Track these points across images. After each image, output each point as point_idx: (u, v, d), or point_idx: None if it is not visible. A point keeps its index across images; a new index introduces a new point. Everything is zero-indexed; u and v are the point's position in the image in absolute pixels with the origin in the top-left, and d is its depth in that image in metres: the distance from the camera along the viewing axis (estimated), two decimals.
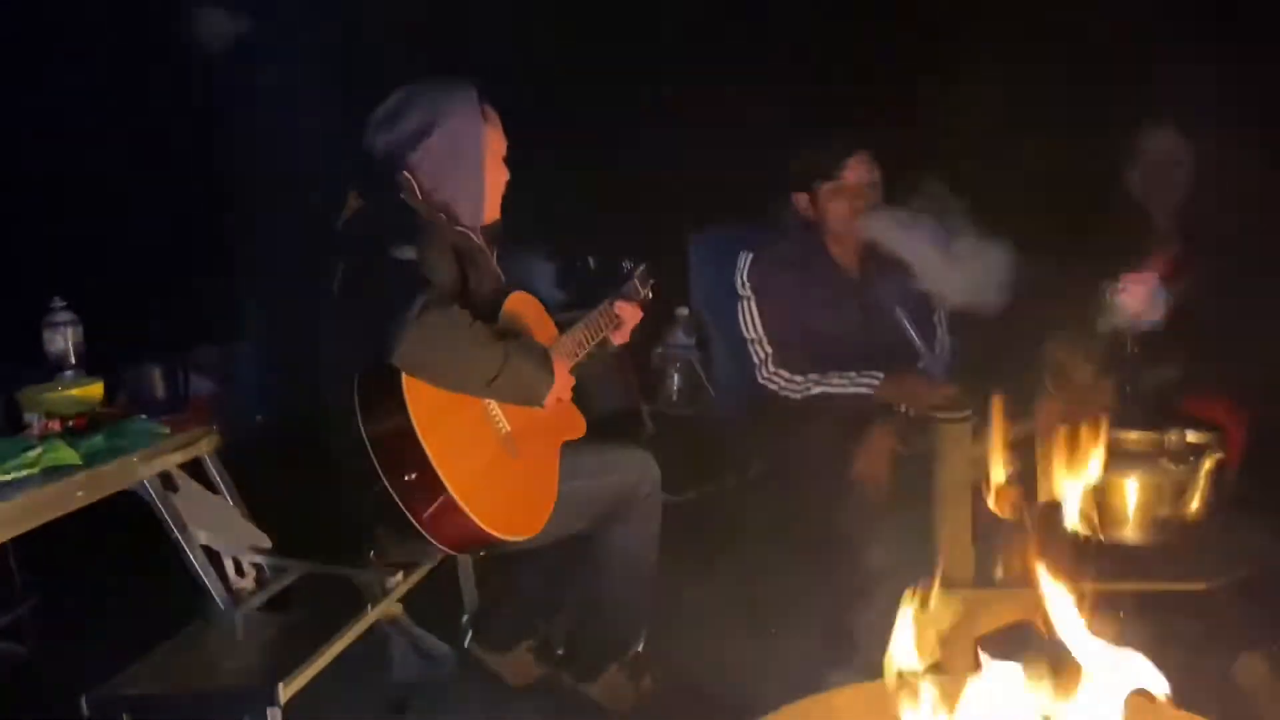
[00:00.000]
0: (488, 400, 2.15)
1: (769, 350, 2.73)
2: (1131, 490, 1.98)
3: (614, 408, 3.25)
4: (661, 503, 2.56)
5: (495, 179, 2.29)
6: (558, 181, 3.29)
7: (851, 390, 2.64)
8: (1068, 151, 3.14)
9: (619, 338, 2.53)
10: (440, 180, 2.21)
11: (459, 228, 2.24)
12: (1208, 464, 1.91)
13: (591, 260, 2.87)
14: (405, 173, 2.18)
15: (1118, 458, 1.99)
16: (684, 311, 3.05)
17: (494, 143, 2.27)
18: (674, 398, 3.12)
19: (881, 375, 2.63)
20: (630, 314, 2.53)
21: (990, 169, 3.22)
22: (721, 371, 3.13)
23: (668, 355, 3.08)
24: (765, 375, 2.72)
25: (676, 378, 3.10)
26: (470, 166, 2.22)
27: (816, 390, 2.67)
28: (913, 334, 2.70)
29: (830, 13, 3.56)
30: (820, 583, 2.88)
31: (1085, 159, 3.08)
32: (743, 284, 2.75)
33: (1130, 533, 2.02)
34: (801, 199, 2.74)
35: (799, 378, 2.69)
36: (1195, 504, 1.94)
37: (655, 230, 3.04)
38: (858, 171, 2.67)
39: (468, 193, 2.23)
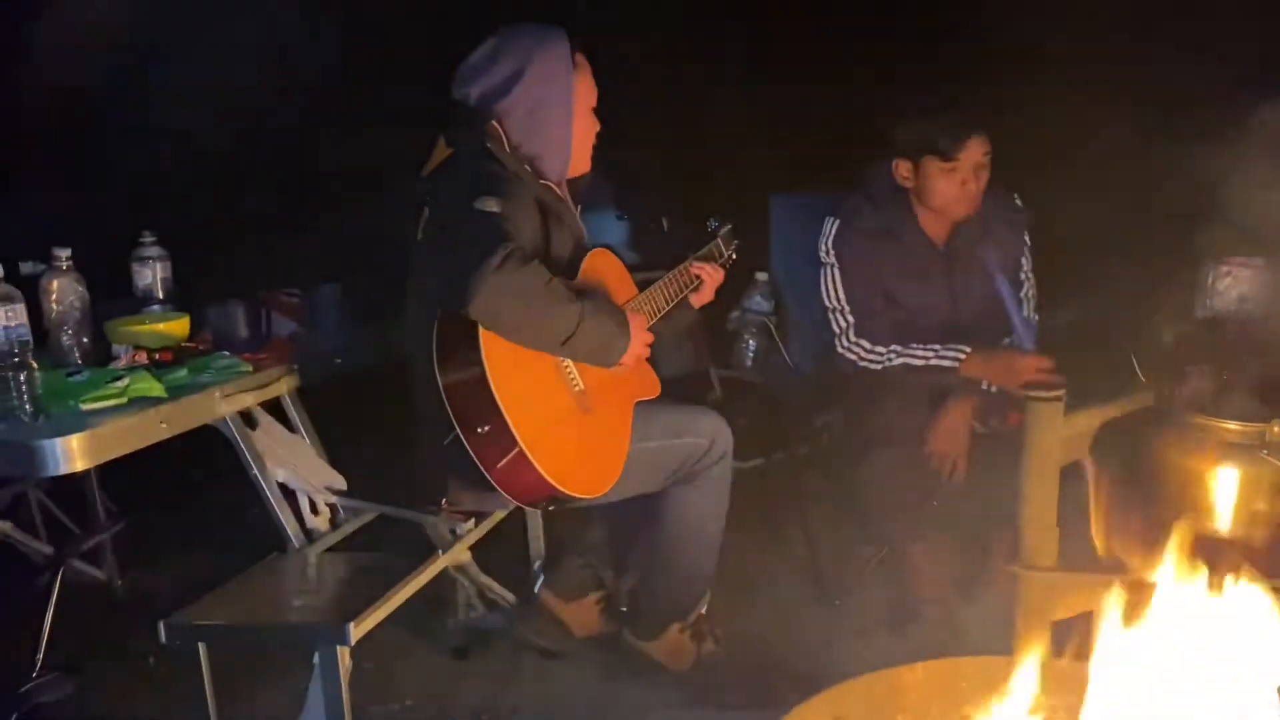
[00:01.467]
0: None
1: (851, 320, 2.67)
2: (1229, 482, 1.90)
3: (683, 370, 3.23)
4: (731, 469, 2.54)
5: (585, 129, 2.26)
6: (635, 139, 3.25)
7: (935, 363, 2.58)
8: (1174, 128, 3.02)
9: (699, 299, 2.49)
10: (529, 130, 2.18)
11: (544, 182, 2.22)
12: None
13: (665, 221, 2.83)
14: (494, 122, 2.16)
15: (1216, 448, 1.91)
16: (763, 276, 3.00)
17: (584, 92, 2.23)
18: (748, 363, 3.08)
19: (968, 350, 2.56)
20: (711, 275, 2.48)
21: (1092, 149, 3.12)
22: (797, 338, 3.08)
23: (744, 320, 3.03)
24: (845, 345, 2.67)
25: (752, 343, 3.05)
26: (560, 114, 2.19)
27: (898, 362, 2.61)
28: (1010, 305, 2.61)
29: None
30: (887, 556, 2.86)
31: (1192, 136, 2.96)
32: (827, 251, 2.69)
33: (1226, 527, 1.93)
34: (903, 166, 2.64)
35: (880, 349, 2.64)
36: None
37: (735, 190, 2.99)
38: (974, 154, 2.57)
39: (556, 142, 2.20)
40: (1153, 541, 1.94)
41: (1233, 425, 1.90)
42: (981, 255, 2.65)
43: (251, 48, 3.32)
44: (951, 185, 2.59)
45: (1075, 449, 1.92)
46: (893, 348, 2.62)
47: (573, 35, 2.21)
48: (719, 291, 2.57)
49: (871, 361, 2.65)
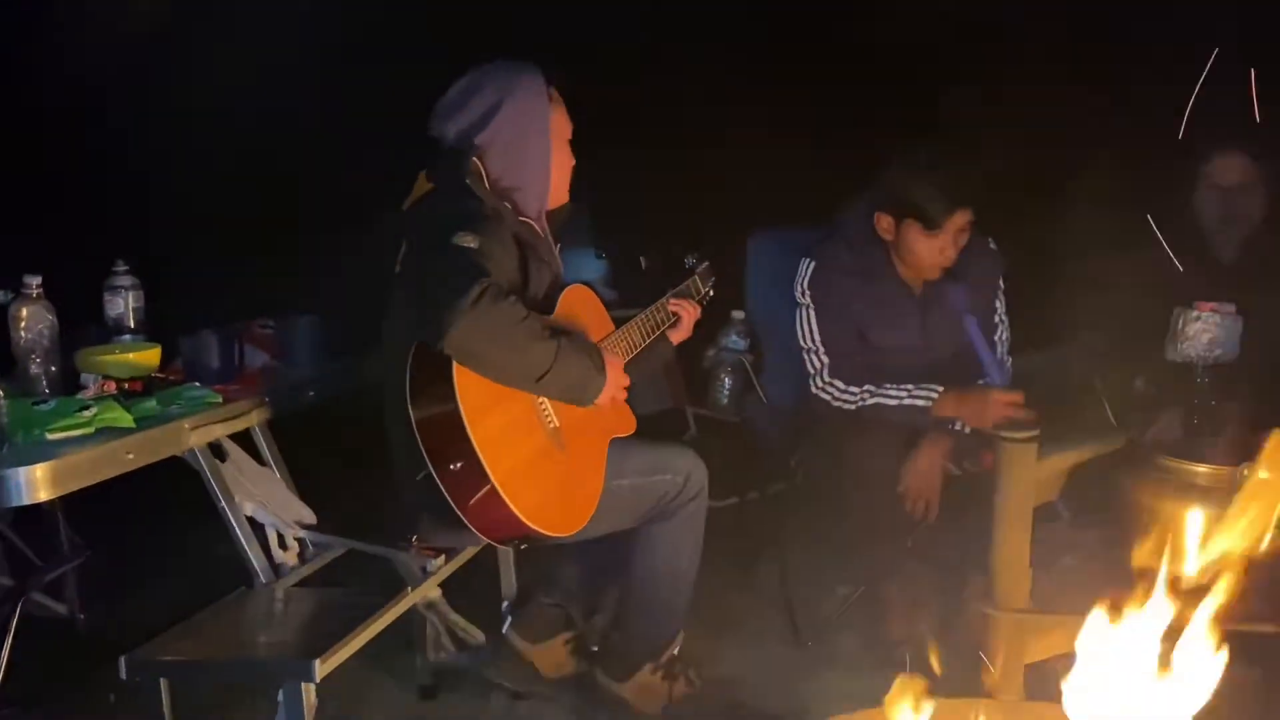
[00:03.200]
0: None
1: (825, 360, 2.68)
2: (1199, 524, 1.91)
3: (659, 408, 3.22)
4: (706, 507, 2.53)
5: (563, 161, 2.27)
6: (614, 177, 3.27)
7: (908, 403, 2.59)
8: (1137, 178, 3.07)
9: (677, 336, 2.51)
10: (508, 164, 2.19)
11: (523, 219, 2.23)
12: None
13: (643, 259, 2.84)
14: (474, 158, 2.17)
15: (1187, 491, 1.93)
16: (739, 314, 3.01)
17: (560, 125, 2.25)
18: (724, 401, 3.08)
19: (940, 390, 2.57)
20: (688, 311, 2.50)
21: (1055, 194, 3.16)
22: (772, 377, 3.08)
23: (720, 358, 3.04)
24: (820, 385, 2.68)
25: (727, 381, 3.05)
26: (538, 147, 2.20)
27: (871, 401, 2.62)
28: (979, 345, 2.63)
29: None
30: (861, 595, 2.84)
31: (1156, 185, 3.01)
32: (803, 292, 2.70)
33: (1196, 570, 1.94)
34: (885, 220, 2.66)
35: (854, 389, 2.64)
36: (1266, 543, 1.87)
37: (713, 228, 3.00)
38: (957, 223, 2.59)
39: (535, 175, 2.21)
40: (1124, 583, 1.95)
41: (1202, 468, 1.91)
42: (954, 297, 2.67)
43: (230, 78, 3.32)
44: (930, 252, 2.62)
45: (1048, 490, 1.93)
46: (866, 387, 2.63)
47: (548, 70, 2.23)
48: (696, 329, 2.58)
49: (845, 401, 2.66)
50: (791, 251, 2.81)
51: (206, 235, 3.26)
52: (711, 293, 2.64)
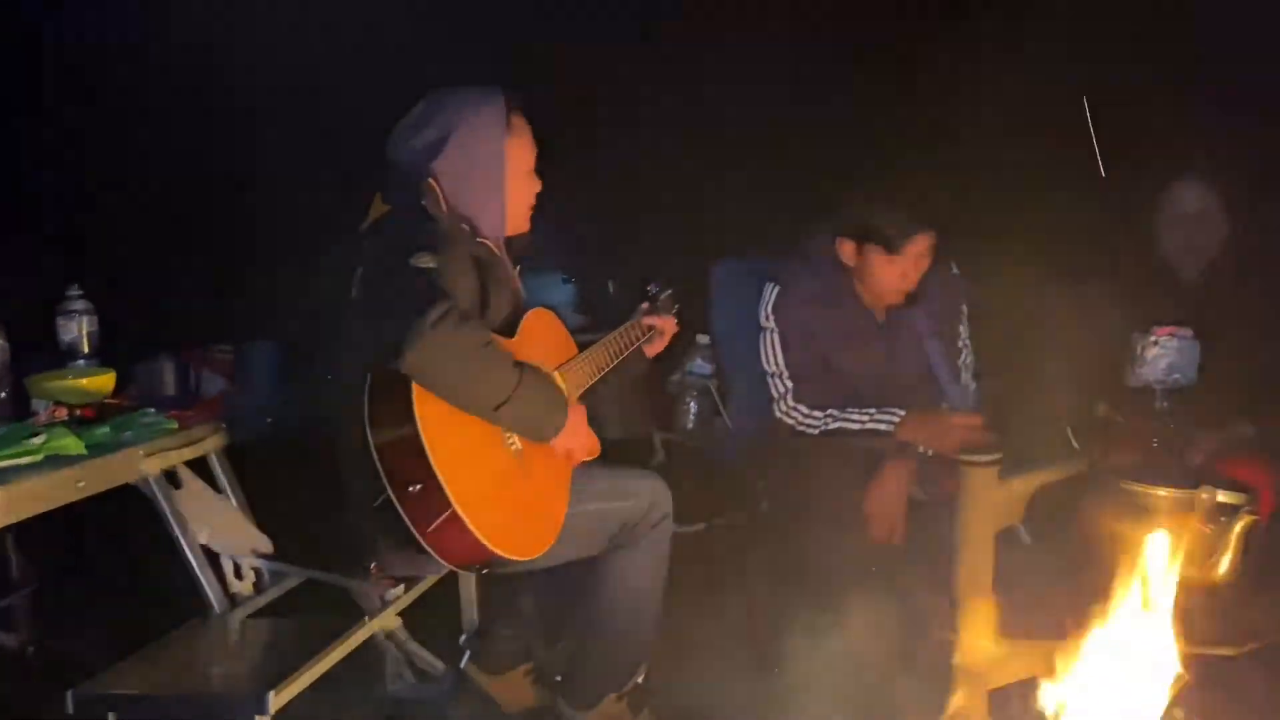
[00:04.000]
0: None
1: (789, 385, 2.68)
2: (1160, 547, 1.92)
3: (626, 433, 3.21)
4: (671, 533, 2.51)
5: (520, 190, 2.25)
6: (581, 202, 3.27)
7: (871, 427, 2.59)
8: (1098, 204, 3.11)
9: (653, 349, 2.51)
10: (462, 190, 2.17)
11: (481, 239, 2.21)
12: (1239, 525, 1.84)
13: (611, 284, 2.83)
14: (429, 180, 2.15)
15: (1151, 515, 1.93)
16: (704, 339, 3.01)
17: (519, 152, 2.22)
18: (689, 426, 3.07)
19: (903, 413, 2.57)
20: (665, 324, 2.51)
21: (1018, 220, 3.19)
22: (737, 403, 3.08)
23: (685, 383, 3.03)
24: (784, 409, 2.68)
25: (693, 406, 3.05)
26: (492, 175, 2.18)
27: (834, 425, 2.62)
28: (941, 369, 2.64)
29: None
30: (827, 624, 2.83)
31: (1117, 211, 3.06)
32: (766, 316, 2.71)
33: (1158, 594, 1.94)
34: (847, 247, 2.67)
35: (817, 413, 2.64)
36: (1225, 566, 1.88)
37: (678, 253, 3.01)
38: (918, 247, 2.61)
39: (490, 203, 2.20)
40: (1088, 608, 1.95)
41: (1162, 492, 1.92)
42: (917, 322, 2.68)
43: (184, 100, 3.30)
44: (891, 276, 2.63)
45: (1010, 514, 1.93)
46: (829, 411, 2.63)
47: (512, 95, 2.22)
48: (659, 356, 2.58)
49: (809, 426, 2.65)
50: (756, 279, 2.82)
51: (162, 258, 3.21)
52: (677, 319, 2.64)
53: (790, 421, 2.67)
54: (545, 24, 3.53)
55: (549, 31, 3.50)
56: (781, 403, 2.68)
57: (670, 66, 3.71)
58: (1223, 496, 1.86)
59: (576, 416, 2.17)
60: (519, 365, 2.03)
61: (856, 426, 2.60)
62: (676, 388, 3.06)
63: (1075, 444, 2.46)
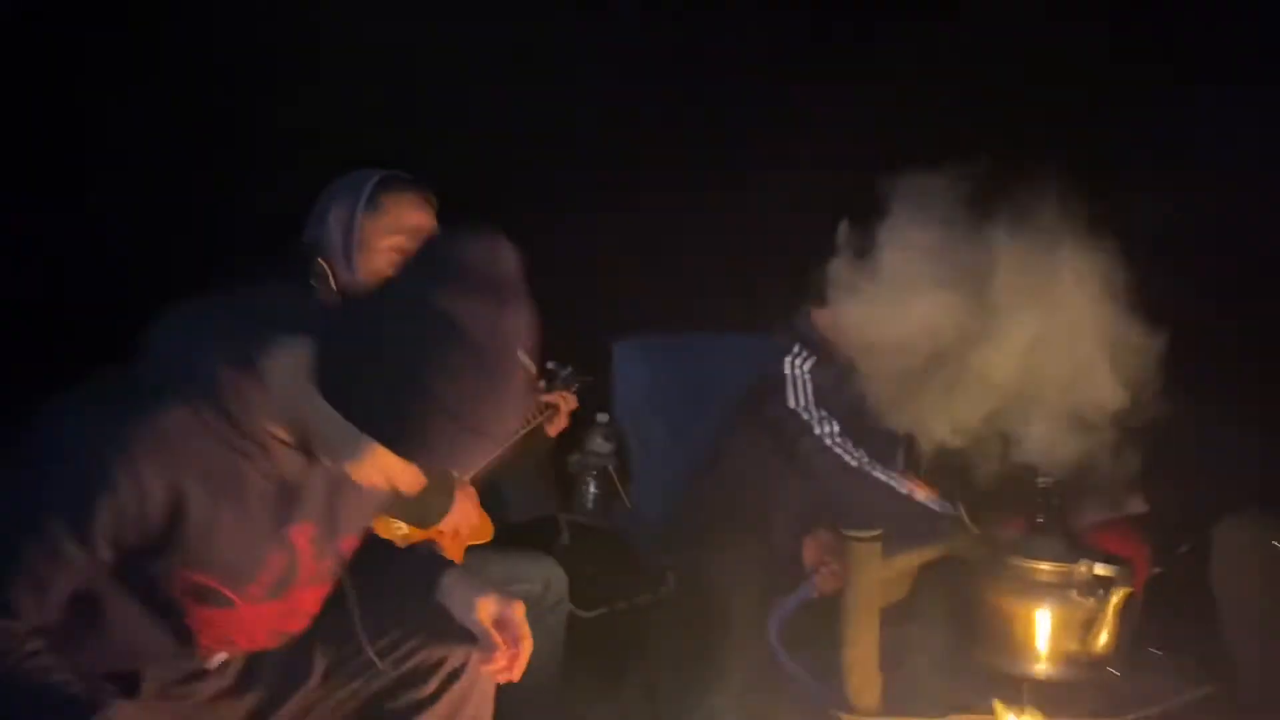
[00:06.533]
0: None
1: (835, 425, 2.61)
2: (1042, 623, 1.95)
3: (532, 514, 3.16)
4: (567, 617, 2.47)
5: (387, 269, 2.21)
6: None
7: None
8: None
9: (555, 427, 2.49)
10: (340, 269, 2.16)
11: None
12: (1115, 598, 1.88)
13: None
14: (319, 259, 2.14)
15: (1030, 589, 1.96)
16: (604, 418, 3.00)
17: (384, 235, 2.17)
18: (589, 506, 3.04)
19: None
20: (565, 400, 2.49)
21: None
22: (643, 484, 3.06)
23: (584, 463, 3.02)
24: (830, 442, 2.59)
25: (592, 486, 3.03)
26: (355, 257, 2.15)
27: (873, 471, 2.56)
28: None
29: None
30: (733, 708, 2.78)
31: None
32: (795, 367, 2.65)
33: (1040, 667, 1.97)
34: (822, 315, 2.64)
35: (861, 452, 2.59)
36: (1103, 638, 1.91)
37: (573, 337, 3.01)
38: None
39: (366, 282, 2.19)
40: (974, 683, 1.96)
41: (1044, 566, 1.96)
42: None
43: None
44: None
45: (896, 590, 1.94)
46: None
47: (396, 177, 2.22)
48: (562, 436, 2.57)
49: (853, 458, 2.57)
50: (661, 357, 2.83)
51: None
52: (579, 399, 2.64)
53: (838, 452, 2.57)
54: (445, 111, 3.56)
55: (450, 118, 3.53)
56: (826, 438, 2.58)
57: (579, 147, 3.76)
58: (1099, 569, 1.89)
59: (465, 498, 2.14)
60: None
61: (884, 479, 2.54)
62: (576, 468, 3.05)
63: (968, 521, 2.49)
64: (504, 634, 1.64)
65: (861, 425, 2.60)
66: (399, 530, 2.08)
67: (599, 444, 2.99)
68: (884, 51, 3.59)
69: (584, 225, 3.45)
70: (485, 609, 1.63)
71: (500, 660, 1.64)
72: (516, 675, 1.67)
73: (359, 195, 2.17)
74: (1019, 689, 1.97)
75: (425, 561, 1.73)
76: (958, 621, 2.03)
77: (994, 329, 2.25)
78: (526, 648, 1.66)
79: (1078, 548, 1.97)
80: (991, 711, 1.92)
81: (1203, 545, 2.55)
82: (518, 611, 1.65)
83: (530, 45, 3.62)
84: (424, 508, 2.06)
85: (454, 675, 1.68)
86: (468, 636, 1.66)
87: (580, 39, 3.61)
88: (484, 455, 1.45)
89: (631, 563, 3.01)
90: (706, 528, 2.66)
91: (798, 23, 3.75)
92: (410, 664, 1.68)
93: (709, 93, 3.74)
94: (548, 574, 2.33)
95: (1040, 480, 2.25)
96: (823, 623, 2.41)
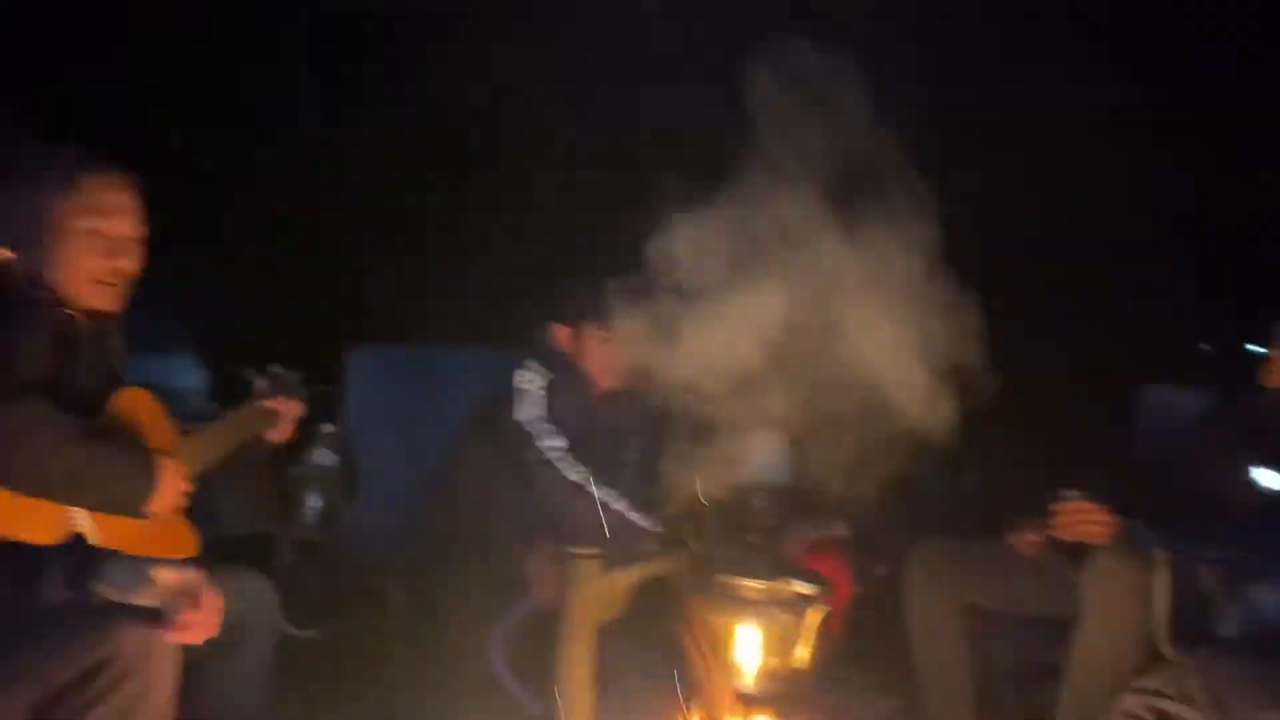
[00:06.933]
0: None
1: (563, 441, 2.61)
2: (748, 638, 2.03)
3: (246, 528, 2.99)
4: (278, 636, 2.34)
5: (90, 262, 2.02)
6: (219, 286, 3.08)
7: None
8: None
9: (278, 435, 2.37)
10: (27, 253, 1.96)
11: (62, 310, 1.99)
12: (815, 615, 1.99)
13: (250, 372, 2.67)
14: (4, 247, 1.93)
15: (737, 605, 2.04)
16: (329, 428, 2.88)
17: (83, 219, 1.99)
18: (312, 521, 2.90)
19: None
20: (287, 407, 2.36)
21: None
22: (369, 496, 2.97)
23: (306, 474, 2.87)
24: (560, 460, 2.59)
25: (315, 499, 2.89)
26: (46, 242, 1.96)
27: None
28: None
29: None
30: None
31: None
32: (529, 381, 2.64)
33: (746, 681, 2.05)
34: (563, 332, 2.68)
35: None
36: (804, 653, 2.01)
37: (307, 343, 2.89)
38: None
39: (53, 272, 1.99)
40: (686, 698, 2.02)
41: (751, 584, 2.04)
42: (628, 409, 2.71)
43: None
44: (611, 352, 2.64)
45: (613, 606, 1.97)
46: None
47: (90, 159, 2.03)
48: (283, 448, 2.44)
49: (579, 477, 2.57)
50: (393, 366, 2.76)
51: None
52: (303, 407, 2.52)
53: (560, 467, 2.57)
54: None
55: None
56: (548, 451, 2.58)
57: (323, 151, 3.64)
58: (798, 587, 2.00)
59: (169, 469, 1.98)
60: (91, 438, 1.85)
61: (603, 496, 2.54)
62: (297, 480, 2.90)
63: (689, 541, 2.57)
64: (185, 600, 1.68)
65: (593, 442, 2.64)
66: (79, 525, 1.89)
67: (323, 455, 2.86)
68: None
69: (324, 233, 3.33)
70: (161, 580, 1.66)
71: (187, 624, 1.68)
72: (208, 633, 1.72)
73: (55, 179, 1.98)
74: (726, 702, 2.04)
75: (78, 558, 1.70)
76: (670, 637, 2.08)
77: (720, 361, 2.36)
78: (212, 604, 1.71)
79: (784, 567, 2.06)
80: None
81: (898, 568, 2.76)
82: (194, 575, 1.68)
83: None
84: (126, 496, 1.88)
85: (127, 671, 1.64)
86: (141, 622, 1.65)
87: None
88: None
89: (354, 580, 2.90)
90: (434, 543, 2.61)
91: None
92: (78, 665, 1.61)
93: (456, 104, 3.70)
94: (255, 592, 2.19)
95: (754, 502, 2.37)
96: (548, 641, 2.43)
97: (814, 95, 2.16)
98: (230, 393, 3.11)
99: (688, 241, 2.24)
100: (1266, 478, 2.47)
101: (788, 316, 3.00)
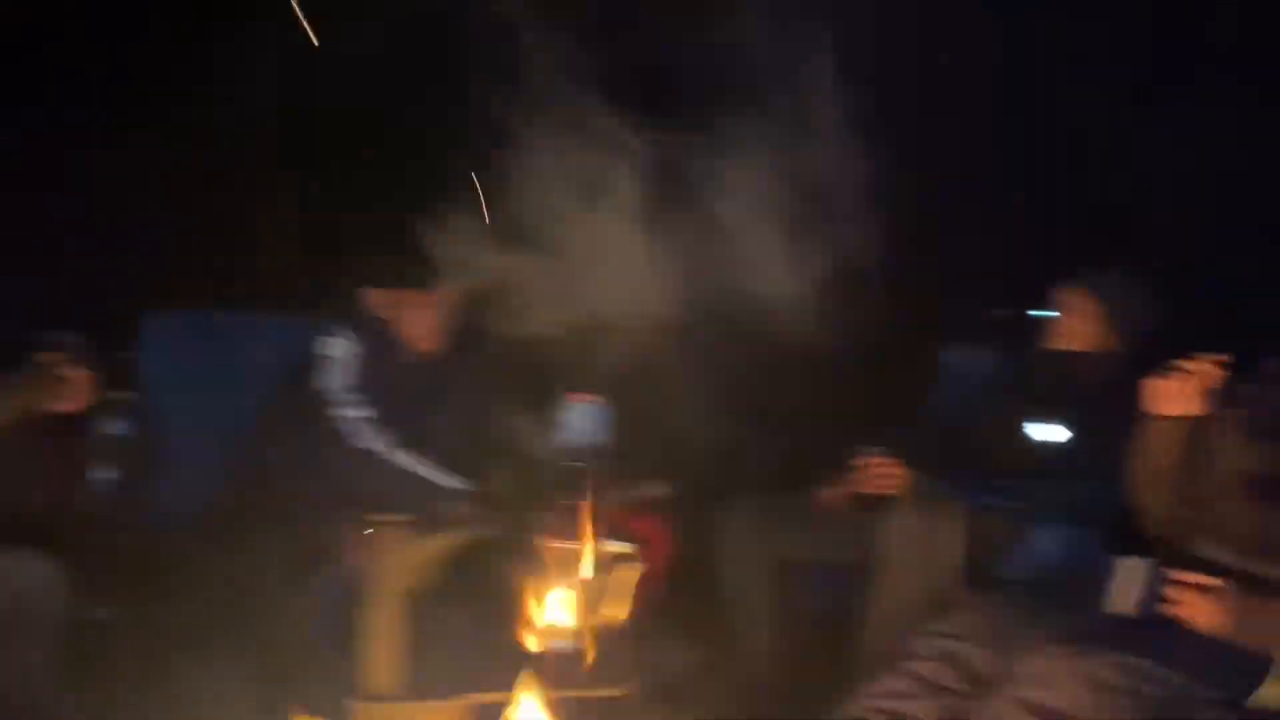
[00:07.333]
0: None
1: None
2: (561, 599, 2.04)
3: (41, 502, 2.78)
4: (67, 618, 2.21)
5: None
6: None
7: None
8: None
9: (66, 404, 2.28)
10: None
11: None
12: (628, 573, 2.01)
13: (34, 338, 2.49)
14: None
15: (551, 567, 2.05)
16: (123, 395, 2.71)
17: None
18: (106, 494, 2.73)
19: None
20: (78, 376, 2.23)
21: None
22: (178, 469, 2.81)
23: (98, 445, 2.70)
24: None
25: (108, 471, 2.71)
26: None
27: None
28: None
29: None
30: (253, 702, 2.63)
31: None
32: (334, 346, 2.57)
33: (560, 642, 2.06)
34: (379, 297, 2.60)
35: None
36: (619, 611, 2.03)
37: (101, 308, 2.71)
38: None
39: None
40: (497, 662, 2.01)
41: (563, 545, 2.05)
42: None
43: None
44: (427, 318, 2.64)
45: (421, 573, 1.94)
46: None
47: None
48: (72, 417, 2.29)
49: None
50: (192, 334, 2.63)
51: None
52: (89, 375, 2.36)
53: (362, 433, 2.54)
54: None
55: None
56: (351, 419, 2.55)
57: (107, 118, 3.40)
58: (612, 548, 2.02)
59: None
60: None
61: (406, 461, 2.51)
62: (91, 450, 2.72)
63: (496, 502, 2.56)
64: None
65: (407, 407, 2.60)
66: None
67: (115, 424, 2.69)
68: None
69: (119, 197, 3.12)
70: None
71: None
72: None
73: None
74: (541, 664, 2.04)
75: None
76: (485, 601, 2.07)
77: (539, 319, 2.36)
78: None
79: (599, 527, 2.08)
80: (512, 689, 1.97)
81: (712, 525, 2.83)
82: None
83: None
84: None
85: None
86: None
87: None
88: None
89: (152, 555, 2.75)
90: (238, 512, 2.51)
91: None
92: None
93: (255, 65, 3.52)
94: (34, 572, 2.06)
95: (568, 462, 2.37)
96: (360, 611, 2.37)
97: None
98: (11, 359, 2.88)
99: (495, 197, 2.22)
100: (1040, 432, 2.67)
101: (607, 272, 3.03)
